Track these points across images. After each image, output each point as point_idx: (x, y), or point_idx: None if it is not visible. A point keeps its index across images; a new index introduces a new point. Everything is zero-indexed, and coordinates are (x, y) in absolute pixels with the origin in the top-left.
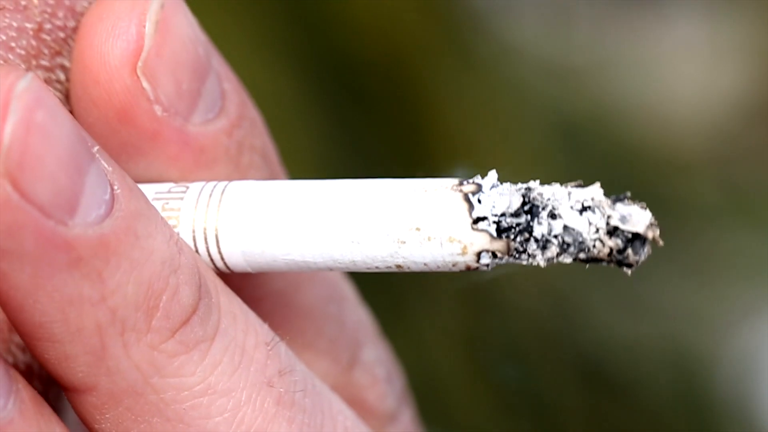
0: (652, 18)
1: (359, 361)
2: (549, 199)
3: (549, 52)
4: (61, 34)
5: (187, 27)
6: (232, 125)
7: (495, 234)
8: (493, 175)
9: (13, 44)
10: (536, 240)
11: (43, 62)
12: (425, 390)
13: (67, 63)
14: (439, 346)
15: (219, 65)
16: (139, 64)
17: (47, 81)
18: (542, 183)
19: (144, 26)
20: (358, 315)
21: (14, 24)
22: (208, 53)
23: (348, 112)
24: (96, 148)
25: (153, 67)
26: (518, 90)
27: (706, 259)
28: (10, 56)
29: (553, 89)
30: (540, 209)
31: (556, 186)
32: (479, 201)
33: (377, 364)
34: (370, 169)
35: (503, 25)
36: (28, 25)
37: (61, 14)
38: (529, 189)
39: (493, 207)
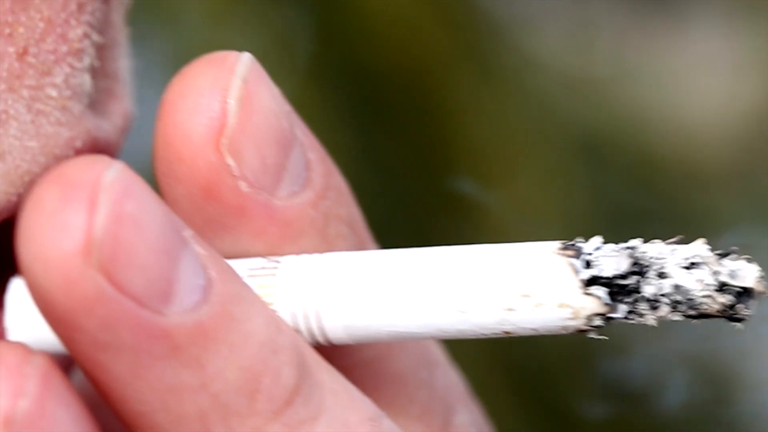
0: (673, 30)
1: (452, 426)
2: (655, 258)
3: (570, 63)
4: (51, 57)
5: (270, 100)
6: (318, 196)
7: (605, 297)
8: (597, 238)
9: None
10: (647, 300)
11: (29, 82)
12: None
13: (58, 81)
14: (460, 356)
15: (303, 135)
16: (224, 140)
17: (35, 99)
18: (644, 240)
19: (227, 102)
20: (449, 377)
21: None
22: (292, 124)
23: (367, 124)
24: (188, 232)
25: (237, 144)
26: (539, 102)
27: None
28: None
29: (574, 101)
30: (647, 269)
31: (659, 243)
32: (587, 264)
33: (470, 427)
34: (389, 181)
35: (524, 37)
36: (11, 49)
37: (50, 40)
38: (633, 248)
39: (602, 270)
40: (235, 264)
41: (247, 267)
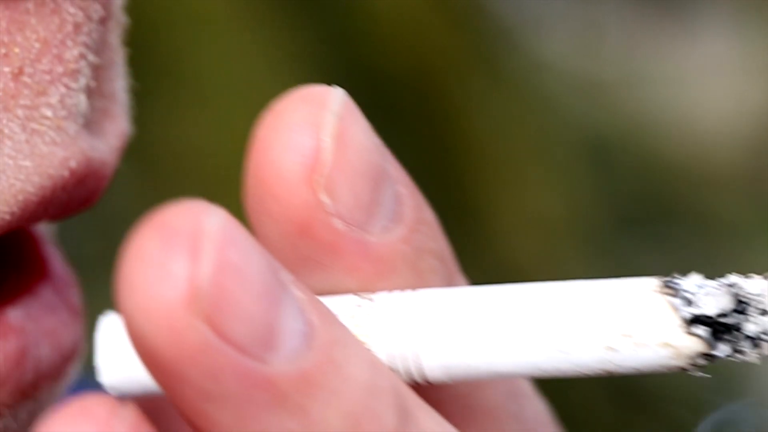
0: (682, 33)
1: None
2: (755, 295)
3: (579, 67)
4: (47, 77)
5: (363, 136)
6: (410, 231)
7: (708, 337)
8: (696, 276)
9: None
10: (749, 338)
11: (24, 102)
12: None
13: (53, 101)
14: None
15: (393, 168)
16: (318, 178)
17: (30, 119)
18: (743, 276)
19: (321, 139)
20: (536, 408)
21: None
22: (383, 159)
23: (376, 127)
24: (287, 276)
25: (332, 181)
26: (547, 105)
27: (735, 273)
28: None
29: (582, 104)
30: (749, 306)
31: (758, 279)
32: (689, 302)
33: None
34: None
35: (533, 40)
36: (6, 69)
37: (46, 60)
38: (734, 285)
39: (703, 309)
40: (329, 302)
41: (342, 305)
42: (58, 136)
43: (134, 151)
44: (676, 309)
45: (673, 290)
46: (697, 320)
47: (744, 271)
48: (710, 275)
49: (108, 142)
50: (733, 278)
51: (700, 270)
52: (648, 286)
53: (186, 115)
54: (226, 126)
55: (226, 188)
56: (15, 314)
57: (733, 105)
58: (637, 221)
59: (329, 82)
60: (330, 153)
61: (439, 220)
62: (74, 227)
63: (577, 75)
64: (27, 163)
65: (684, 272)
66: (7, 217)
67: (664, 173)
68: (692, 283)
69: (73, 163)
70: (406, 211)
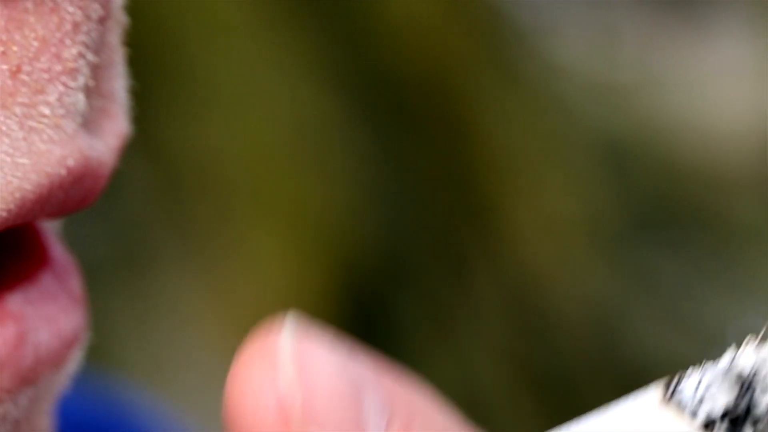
0: (697, 36)
1: None
2: (756, 370)
3: (595, 70)
4: (45, 76)
5: (328, 369)
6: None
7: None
8: (695, 374)
9: None
10: (755, 421)
11: (22, 99)
12: (470, 407)
13: (51, 99)
14: (484, 363)
15: (371, 378)
16: (290, 420)
17: (28, 116)
18: (736, 348)
19: (284, 392)
20: None
21: None
22: (357, 377)
23: (390, 131)
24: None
25: (304, 422)
26: (564, 108)
27: (751, 277)
28: None
29: (598, 108)
30: (754, 386)
31: (753, 350)
32: (695, 409)
33: None
34: (412, 187)
35: (548, 43)
36: (4, 66)
37: (44, 59)
38: (732, 368)
39: (713, 410)
40: None
41: None
42: (56, 135)
43: (149, 155)
44: (689, 418)
45: (676, 400)
46: (710, 423)
47: (761, 276)
48: (727, 279)
49: (106, 142)
50: (727, 359)
51: (717, 274)
52: (651, 403)
53: (201, 118)
54: (241, 129)
55: (240, 192)
56: (14, 300)
57: (749, 108)
58: (654, 225)
59: (343, 86)
60: (298, 405)
61: (453, 225)
62: (90, 229)
63: (593, 78)
64: (24, 160)
65: (701, 277)
66: (4, 214)
67: (680, 176)
68: (692, 385)
69: (70, 162)
70: (395, 419)
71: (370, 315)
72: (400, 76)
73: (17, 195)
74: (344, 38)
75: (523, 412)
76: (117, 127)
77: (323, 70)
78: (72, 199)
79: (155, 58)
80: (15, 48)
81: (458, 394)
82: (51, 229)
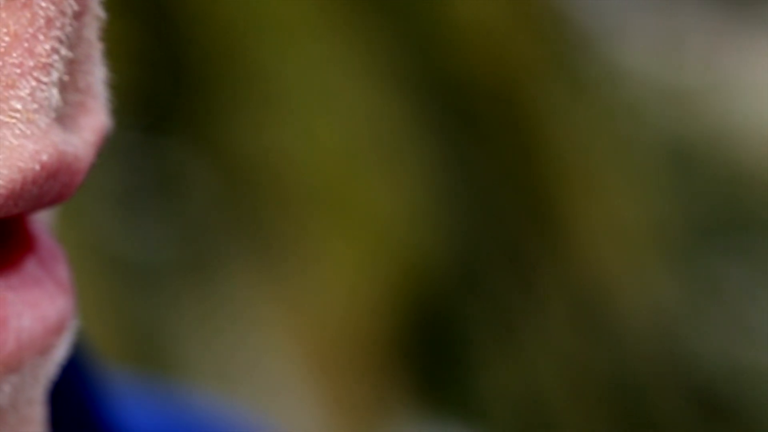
0: (765, 41)
1: None
2: None
3: (661, 75)
4: (17, 71)
5: None
6: None
7: None
8: None
9: None
10: None
11: None
12: (535, 416)
13: (23, 94)
14: (550, 371)
15: None
16: None
17: (0, 111)
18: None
19: None
20: None
21: None
22: None
23: (459, 136)
24: None
25: None
26: (629, 113)
27: None
28: None
29: (665, 113)
30: None
31: None
32: None
33: None
34: (477, 191)
35: (615, 48)
36: None
37: (16, 54)
38: None
39: None
40: None
41: None
42: (28, 129)
43: (217, 158)
44: None
45: None
46: None
47: None
48: None
49: (83, 137)
50: None
51: None
52: None
53: (270, 122)
54: (310, 133)
55: (308, 196)
56: None
57: None
58: (720, 230)
59: (411, 91)
60: None
61: (520, 231)
62: (157, 233)
63: (660, 83)
64: None
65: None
66: None
67: (747, 182)
68: None
69: (44, 157)
70: None
71: (437, 321)
72: (467, 81)
73: None
74: (412, 42)
75: (589, 421)
76: (94, 121)
77: (392, 74)
78: (47, 194)
79: (224, 61)
80: None
81: (523, 402)
82: (37, 216)
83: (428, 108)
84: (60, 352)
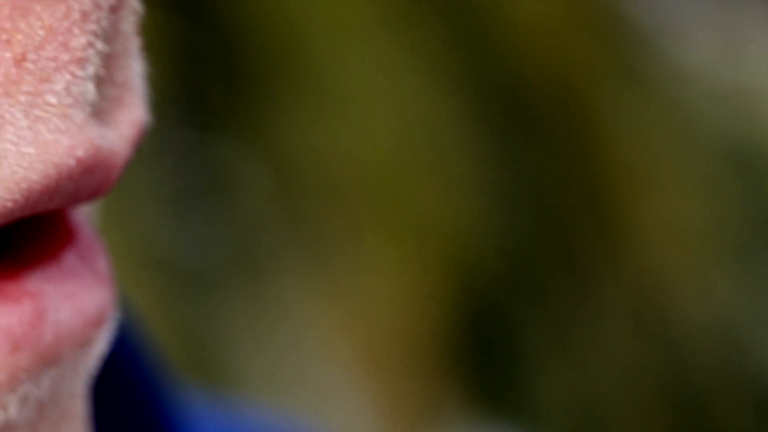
0: None
1: None
2: None
3: (720, 74)
4: (52, 65)
5: None
6: None
7: None
8: None
9: None
10: None
11: (27, 88)
12: (591, 421)
13: (58, 88)
14: (606, 375)
15: None
16: None
17: (33, 105)
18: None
19: None
20: None
21: None
22: None
23: (513, 135)
24: None
25: None
26: (688, 113)
27: None
28: None
29: (724, 113)
30: None
31: None
32: None
33: None
34: (534, 192)
35: (673, 46)
36: (7, 54)
37: (50, 48)
38: None
39: None
40: None
41: None
42: (63, 124)
43: (269, 158)
44: None
45: None
46: None
47: None
48: None
49: (120, 132)
50: None
51: None
52: None
53: (321, 121)
54: (361, 133)
55: (360, 196)
56: (33, 278)
57: None
58: None
59: (468, 88)
60: None
61: (576, 232)
62: (207, 236)
63: (719, 82)
64: (30, 150)
65: None
66: (9, 204)
67: None
68: None
69: (79, 152)
70: None
71: (488, 323)
72: (521, 79)
73: (23, 185)
74: (467, 42)
75: (646, 426)
76: (132, 116)
77: (446, 72)
78: (83, 190)
79: (278, 59)
80: (19, 36)
81: (578, 404)
82: (77, 208)
83: (483, 107)
84: (100, 345)
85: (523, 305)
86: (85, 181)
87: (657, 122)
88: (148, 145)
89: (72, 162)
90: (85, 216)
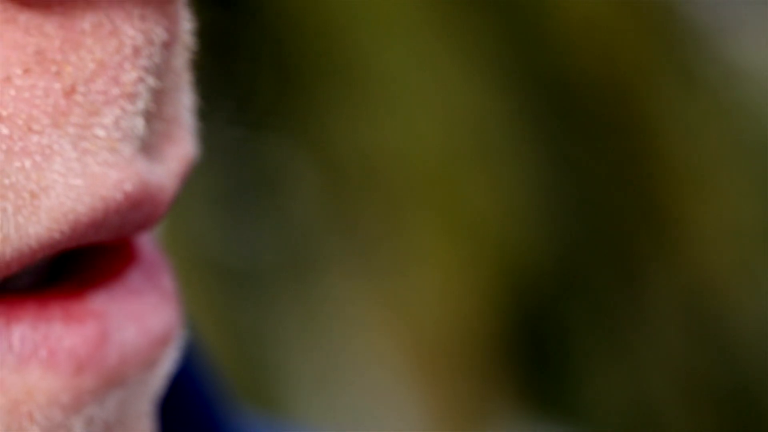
0: None
1: None
2: None
3: None
4: (101, 98)
5: None
6: None
7: None
8: None
9: (38, 102)
10: None
11: (76, 120)
12: (643, 422)
13: (107, 122)
14: (658, 376)
15: None
16: None
17: (82, 137)
18: None
19: None
20: None
21: (40, 84)
22: None
23: (564, 133)
24: None
25: None
26: (743, 111)
27: None
28: (34, 112)
29: None
30: None
31: None
32: None
33: None
34: (586, 191)
35: (728, 44)
36: (57, 86)
37: (100, 81)
38: None
39: None
40: None
41: None
42: (111, 157)
43: (318, 158)
44: None
45: None
46: None
47: None
48: None
49: (168, 167)
50: None
51: None
52: None
53: (371, 120)
54: (410, 131)
55: (410, 195)
56: (97, 298)
57: None
58: None
59: (518, 86)
60: None
61: (630, 231)
62: (260, 234)
63: None
64: (78, 182)
65: None
66: (56, 235)
67: None
68: None
69: (128, 186)
70: None
71: (539, 323)
72: (573, 77)
73: (70, 217)
74: (517, 39)
75: (699, 426)
76: (180, 151)
77: (496, 70)
78: (129, 225)
79: (328, 57)
80: (69, 68)
81: (630, 408)
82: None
83: (533, 105)
84: (167, 365)
85: (574, 304)
86: (131, 216)
87: (710, 121)
88: (199, 144)
89: (120, 196)
90: (149, 234)
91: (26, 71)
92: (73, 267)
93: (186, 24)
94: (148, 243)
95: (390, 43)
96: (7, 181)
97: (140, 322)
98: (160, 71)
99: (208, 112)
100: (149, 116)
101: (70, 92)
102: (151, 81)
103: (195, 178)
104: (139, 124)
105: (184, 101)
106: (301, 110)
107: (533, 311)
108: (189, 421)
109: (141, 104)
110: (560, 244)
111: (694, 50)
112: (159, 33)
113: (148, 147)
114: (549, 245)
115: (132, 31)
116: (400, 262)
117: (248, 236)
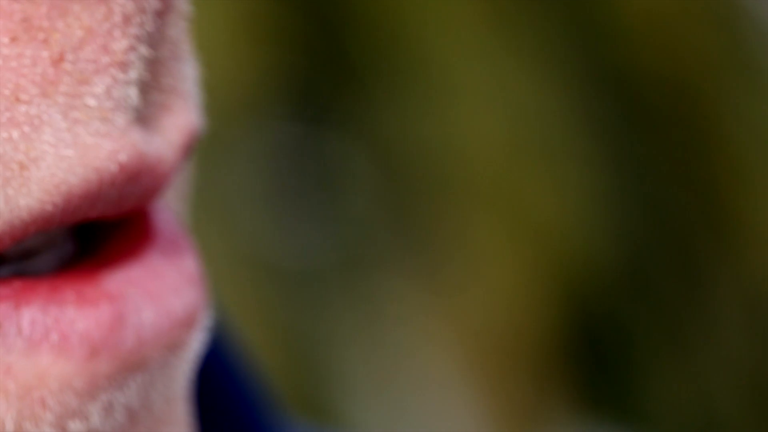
0: None
1: None
2: None
3: None
4: (91, 67)
5: None
6: None
7: None
8: None
9: (25, 71)
10: None
11: (65, 89)
12: (702, 422)
13: (98, 91)
14: (723, 383)
15: None
16: None
17: (72, 107)
18: None
19: None
20: None
21: (27, 52)
22: None
23: (626, 133)
24: None
25: None
26: None
27: None
28: (22, 81)
29: None
30: None
31: None
32: None
33: None
34: (648, 192)
35: None
36: (45, 54)
37: (89, 49)
38: None
39: None
40: None
41: None
42: (104, 127)
43: (375, 156)
44: None
45: None
46: None
47: None
48: None
49: (167, 138)
50: None
51: None
52: None
53: (427, 118)
54: (468, 129)
55: (467, 193)
56: (113, 280)
57: None
58: None
59: (580, 83)
60: None
61: (694, 232)
62: (316, 233)
63: None
64: (69, 152)
65: None
66: (49, 207)
67: None
68: None
69: (122, 157)
70: None
71: (600, 325)
72: (635, 76)
73: (63, 188)
74: (580, 34)
75: (761, 429)
76: (180, 122)
77: (560, 67)
78: (128, 198)
79: (387, 52)
80: (57, 36)
81: (692, 408)
82: (163, 205)
83: (597, 103)
84: (194, 347)
85: (635, 307)
86: (129, 188)
87: None
88: (254, 140)
89: (114, 167)
90: (172, 212)
91: (13, 39)
92: (92, 248)
93: None
94: (170, 222)
95: (451, 40)
96: None
97: (159, 303)
98: (154, 40)
99: (269, 108)
100: (144, 86)
101: (58, 60)
102: (143, 50)
103: (250, 175)
104: (133, 93)
105: (185, 71)
106: (359, 107)
107: (595, 312)
108: (230, 426)
109: (134, 73)
110: (623, 245)
111: (760, 46)
112: (151, 2)
113: (145, 118)
114: (612, 246)
115: None
116: (459, 263)
117: (304, 236)
